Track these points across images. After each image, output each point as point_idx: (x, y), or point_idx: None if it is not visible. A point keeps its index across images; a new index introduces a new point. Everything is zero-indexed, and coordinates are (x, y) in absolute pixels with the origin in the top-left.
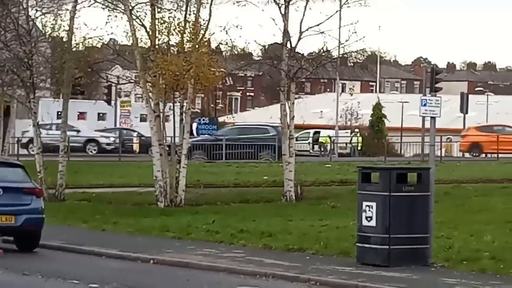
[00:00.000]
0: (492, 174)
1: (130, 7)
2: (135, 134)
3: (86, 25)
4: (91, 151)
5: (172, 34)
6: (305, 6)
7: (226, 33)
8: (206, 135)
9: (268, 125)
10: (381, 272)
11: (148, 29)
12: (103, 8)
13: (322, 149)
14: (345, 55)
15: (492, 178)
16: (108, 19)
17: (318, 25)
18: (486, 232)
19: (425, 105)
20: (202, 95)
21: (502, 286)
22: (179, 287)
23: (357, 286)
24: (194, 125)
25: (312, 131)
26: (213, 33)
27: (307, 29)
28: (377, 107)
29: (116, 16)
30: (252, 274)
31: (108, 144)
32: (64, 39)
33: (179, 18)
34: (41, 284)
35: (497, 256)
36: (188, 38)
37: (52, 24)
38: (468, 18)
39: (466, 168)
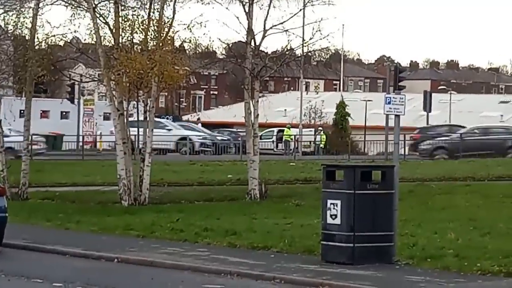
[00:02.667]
0: (455, 172)
1: (94, 5)
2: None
3: (49, 23)
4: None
5: (136, 32)
6: (269, 4)
7: (190, 31)
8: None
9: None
10: (345, 270)
11: (112, 27)
12: (66, 6)
13: (286, 147)
14: (309, 54)
15: (455, 176)
16: (71, 17)
17: (282, 23)
18: (450, 230)
19: (389, 103)
20: (166, 94)
21: (465, 283)
22: (143, 285)
23: (321, 284)
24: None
25: (276, 129)
26: (177, 31)
27: (271, 27)
28: (341, 106)
29: (79, 14)
30: (216, 272)
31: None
32: (27, 37)
33: (142, 16)
34: (4, 284)
35: (460, 253)
36: (152, 36)
37: (14, 21)
38: (430, 16)
39: (429, 166)
